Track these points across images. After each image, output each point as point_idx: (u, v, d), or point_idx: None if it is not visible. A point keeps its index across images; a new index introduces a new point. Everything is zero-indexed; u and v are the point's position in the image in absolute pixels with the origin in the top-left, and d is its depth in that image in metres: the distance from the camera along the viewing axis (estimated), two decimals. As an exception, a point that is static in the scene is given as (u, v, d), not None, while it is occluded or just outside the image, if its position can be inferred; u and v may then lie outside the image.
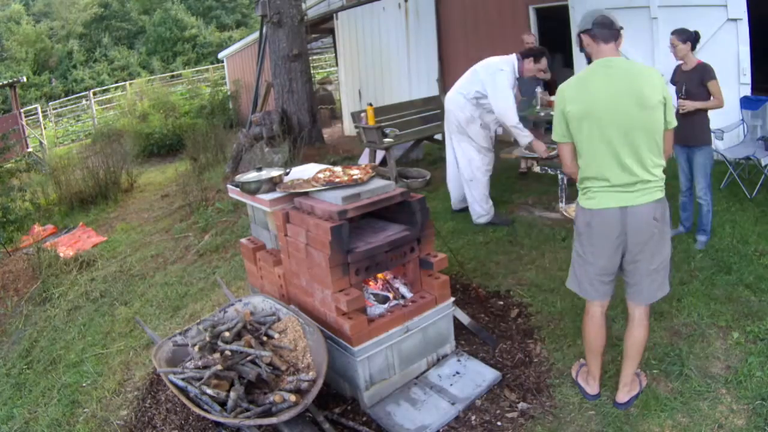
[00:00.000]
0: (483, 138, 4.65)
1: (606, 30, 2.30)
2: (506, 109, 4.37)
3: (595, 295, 2.46)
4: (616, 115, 2.20)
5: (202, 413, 2.18)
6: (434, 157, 7.46)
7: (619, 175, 2.23)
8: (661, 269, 2.36)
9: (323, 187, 2.73)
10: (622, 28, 2.34)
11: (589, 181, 2.33)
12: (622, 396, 2.54)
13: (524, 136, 4.44)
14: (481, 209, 4.76)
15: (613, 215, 2.26)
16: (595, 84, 2.26)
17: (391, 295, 2.86)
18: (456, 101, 4.65)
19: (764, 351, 2.68)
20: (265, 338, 2.58)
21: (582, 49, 2.41)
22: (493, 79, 4.39)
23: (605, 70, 2.26)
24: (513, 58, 4.46)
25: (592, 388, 2.63)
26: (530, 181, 5.87)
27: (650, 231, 2.26)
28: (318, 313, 2.73)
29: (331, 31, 11.75)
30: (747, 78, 5.39)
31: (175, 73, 22.12)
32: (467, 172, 4.73)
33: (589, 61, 2.38)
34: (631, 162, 2.21)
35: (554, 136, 2.43)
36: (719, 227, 4.09)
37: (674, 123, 2.32)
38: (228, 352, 2.40)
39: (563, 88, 2.37)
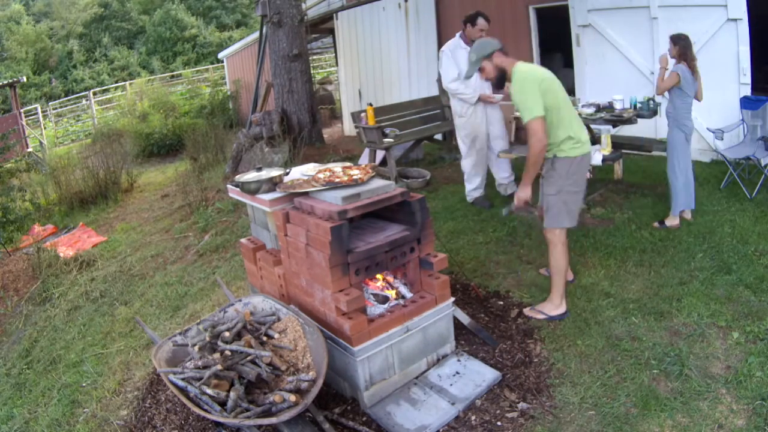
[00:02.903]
0: (462, 127, 5.05)
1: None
2: (448, 82, 4.80)
3: (575, 221, 3.19)
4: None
5: (202, 413, 2.18)
6: (434, 157, 7.46)
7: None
8: None
9: (323, 187, 2.73)
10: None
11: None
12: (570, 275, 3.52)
13: (470, 97, 4.79)
14: (468, 185, 5.25)
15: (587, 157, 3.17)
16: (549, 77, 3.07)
17: (391, 295, 2.86)
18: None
19: (764, 351, 2.68)
20: (265, 338, 2.58)
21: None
22: (440, 63, 4.90)
23: (542, 70, 3.09)
24: (456, 36, 4.85)
25: (561, 308, 3.23)
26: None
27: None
28: (318, 313, 2.73)
29: (331, 31, 11.73)
30: (747, 78, 5.39)
31: (175, 73, 22.11)
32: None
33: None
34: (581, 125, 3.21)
35: (536, 113, 2.91)
36: (719, 227, 4.10)
37: None
38: (228, 352, 2.40)
39: (534, 78, 2.99)
